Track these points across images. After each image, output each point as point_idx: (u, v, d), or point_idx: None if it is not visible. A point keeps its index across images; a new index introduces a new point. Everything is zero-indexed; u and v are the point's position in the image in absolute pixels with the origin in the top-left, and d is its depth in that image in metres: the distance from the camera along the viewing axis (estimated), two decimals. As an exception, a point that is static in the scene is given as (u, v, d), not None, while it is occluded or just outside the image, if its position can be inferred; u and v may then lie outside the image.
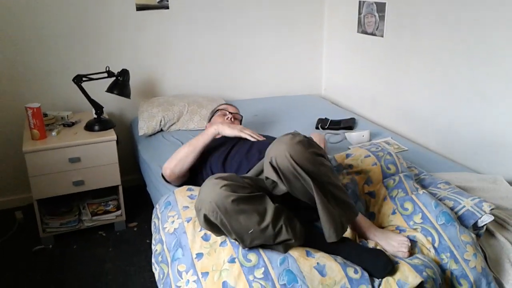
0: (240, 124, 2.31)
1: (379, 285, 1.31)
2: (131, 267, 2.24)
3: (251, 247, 1.36)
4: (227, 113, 2.25)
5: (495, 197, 1.78)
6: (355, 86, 3.16)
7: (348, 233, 1.52)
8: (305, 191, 1.41)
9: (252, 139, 1.83)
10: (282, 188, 1.43)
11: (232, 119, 2.22)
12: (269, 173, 1.41)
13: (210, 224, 1.37)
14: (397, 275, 1.32)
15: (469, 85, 2.23)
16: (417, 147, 2.44)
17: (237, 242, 1.37)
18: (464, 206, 1.56)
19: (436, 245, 1.46)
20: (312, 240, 1.44)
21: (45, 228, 2.41)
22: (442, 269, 1.43)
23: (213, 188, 1.34)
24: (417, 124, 2.61)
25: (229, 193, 1.32)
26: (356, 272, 1.31)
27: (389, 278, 1.32)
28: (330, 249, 1.41)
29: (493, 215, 1.53)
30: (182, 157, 1.83)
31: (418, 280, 1.29)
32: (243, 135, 1.84)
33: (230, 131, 1.85)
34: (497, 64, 2.06)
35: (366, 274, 1.31)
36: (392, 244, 1.47)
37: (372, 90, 2.99)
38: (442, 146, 2.44)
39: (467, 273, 1.41)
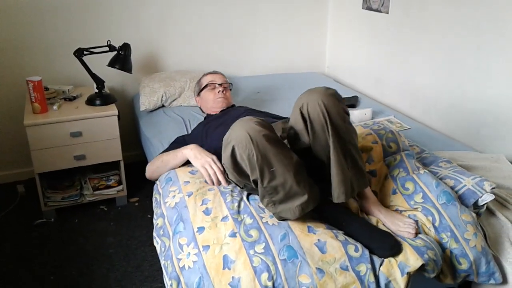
0: (230, 91, 2.25)
1: (380, 265, 1.31)
2: (132, 241, 2.26)
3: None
4: (217, 85, 2.18)
5: (497, 176, 1.77)
6: (359, 63, 3.13)
7: (352, 206, 1.54)
8: (326, 147, 1.41)
9: (208, 181, 1.61)
10: (304, 140, 1.44)
11: (224, 91, 2.17)
12: (296, 121, 1.44)
13: (234, 161, 1.38)
14: (399, 257, 1.33)
15: (475, 64, 2.20)
16: (420, 126, 2.42)
17: (253, 185, 1.38)
18: (465, 185, 1.56)
19: (436, 224, 1.47)
20: (322, 207, 1.43)
21: (46, 202, 2.42)
22: (442, 248, 1.44)
23: (247, 122, 1.36)
24: (421, 103, 2.60)
25: (261, 128, 1.34)
26: (356, 250, 1.32)
27: (391, 259, 1.33)
28: (338, 220, 1.42)
29: (494, 194, 1.53)
30: (154, 169, 1.80)
31: (419, 262, 1.30)
32: (203, 172, 1.62)
33: (194, 162, 1.67)
34: (504, 42, 2.03)
35: (366, 253, 1.32)
36: (397, 223, 1.47)
37: (376, 68, 2.96)
38: (445, 125, 2.43)
39: (467, 252, 1.41)
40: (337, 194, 1.41)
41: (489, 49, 2.11)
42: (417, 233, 1.44)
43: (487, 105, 2.16)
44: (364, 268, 1.29)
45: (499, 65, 2.07)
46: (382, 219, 1.50)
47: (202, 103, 2.25)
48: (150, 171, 1.83)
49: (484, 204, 1.51)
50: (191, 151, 1.69)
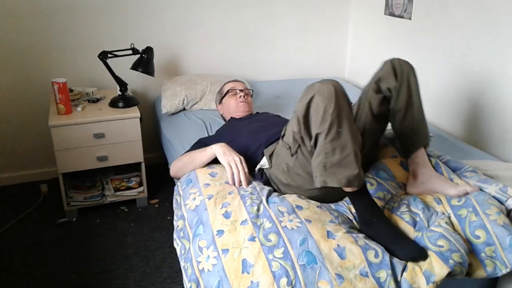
0: (251, 96, 2.31)
1: (403, 271, 1.29)
2: (152, 242, 2.29)
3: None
4: (238, 91, 2.23)
5: (523, 186, 1.74)
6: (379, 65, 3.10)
7: (402, 175, 1.66)
8: (402, 106, 1.63)
9: (230, 179, 1.63)
10: (391, 83, 1.63)
11: (245, 97, 2.22)
12: (385, 72, 1.66)
13: (307, 110, 1.40)
14: (424, 265, 1.30)
15: (499, 70, 2.16)
16: (443, 133, 2.39)
17: (313, 142, 1.41)
18: (489, 194, 1.53)
19: (461, 203, 1.47)
20: (358, 196, 1.44)
21: (69, 201, 2.47)
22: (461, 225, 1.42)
23: (334, 80, 1.40)
24: (442, 110, 2.56)
25: (345, 93, 1.41)
26: (376, 255, 1.31)
27: (416, 267, 1.30)
28: (369, 214, 1.42)
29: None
30: (181, 166, 1.80)
31: (445, 271, 1.27)
32: (228, 170, 1.64)
33: (221, 158, 1.69)
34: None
35: (386, 258, 1.30)
36: (452, 186, 1.55)
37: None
38: (467, 133, 2.40)
39: (485, 224, 1.38)
40: (424, 135, 1.65)
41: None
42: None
43: (511, 113, 2.12)
44: (384, 274, 1.27)
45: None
46: (437, 182, 1.56)
47: (224, 109, 2.28)
48: (176, 168, 1.82)
49: (510, 210, 1.47)
50: (220, 148, 1.70)
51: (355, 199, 1.45)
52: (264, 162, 1.73)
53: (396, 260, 1.31)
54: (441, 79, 2.55)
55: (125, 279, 2.03)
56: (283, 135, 1.59)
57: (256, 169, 1.76)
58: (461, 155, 2.05)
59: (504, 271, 1.35)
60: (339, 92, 1.37)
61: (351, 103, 1.47)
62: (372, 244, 1.35)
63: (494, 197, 1.52)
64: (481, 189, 1.55)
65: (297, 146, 1.50)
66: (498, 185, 1.54)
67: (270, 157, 1.70)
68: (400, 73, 1.64)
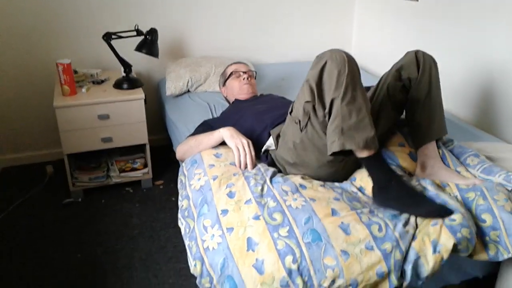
0: (255, 79, 2.31)
1: (412, 240, 1.31)
2: (156, 223, 2.30)
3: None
4: (241, 73, 2.23)
5: (526, 168, 1.73)
6: (386, 51, 3.08)
7: (409, 166, 1.67)
8: (421, 98, 1.65)
9: (236, 163, 1.63)
10: (413, 73, 1.64)
11: (249, 78, 2.22)
12: (407, 61, 1.66)
13: (320, 76, 1.41)
14: (433, 235, 1.31)
15: (506, 53, 2.14)
16: (448, 115, 2.37)
17: (327, 107, 1.42)
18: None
19: (469, 187, 1.49)
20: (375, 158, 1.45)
21: (74, 182, 2.49)
22: (467, 207, 1.44)
23: (342, 50, 1.42)
24: (448, 92, 2.54)
25: (355, 61, 1.43)
26: (380, 230, 1.32)
27: (425, 237, 1.31)
28: (389, 174, 1.43)
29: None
30: (187, 149, 1.80)
31: (451, 242, 1.28)
32: (235, 153, 1.63)
33: (229, 141, 1.68)
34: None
35: (390, 231, 1.31)
36: (461, 178, 1.55)
37: (402, 55, 2.90)
38: (474, 115, 2.38)
39: (493, 208, 1.38)
40: (440, 126, 1.66)
41: (522, 37, 2.06)
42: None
43: (518, 95, 2.11)
44: (389, 246, 1.28)
45: (533, 54, 2.02)
46: (445, 175, 1.57)
47: (228, 92, 2.27)
48: (182, 150, 1.82)
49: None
50: (228, 131, 1.70)
51: (371, 163, 1.44)
52: (270, 143, 1.73)
53: (401, 231, 1.32)
54: (448, 63, 2.52)
55: (131, 259, 2.05)
56: (291, 111, 1.59)
57: (263, 150, 1.76)
58: (469, 138, 2.04)
59: (506, 256, 1.36)
60: (350, 58, 1.40)
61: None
62: (375, 218, 1.35)
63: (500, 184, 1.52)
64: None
65: (307, 119, 1.50)
66: (501, 175, 1.55)
67: (277, 138, 1.70)
68: (422, 65, 1.64)
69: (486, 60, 2.27)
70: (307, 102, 1.47)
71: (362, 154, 1.41)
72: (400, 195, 1.40)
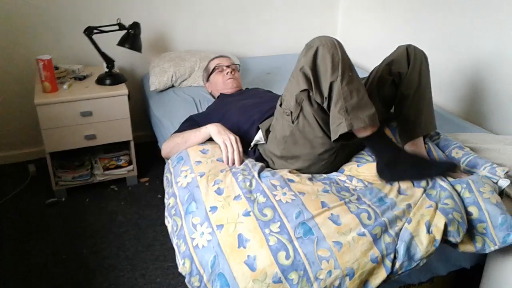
0: (239, 72, 2.29)
1: (405, 223, 1.32)
2: (142, 221, 2.27)
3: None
4: (224, 67, 2.21)
5: (510, 158, 1.73)
6: (371, 44, 3.08)
7: None
8: (410, 93, 1.64)
9: (224, 159, 1.60)
10: (403, 68, 1.64)
11: (233, 72, 2.20)
12: (398, 56, 1.66)
13: (314, 62, 1.40)
14: (426, 216, 1.32)
15: (492, 45, 2.15)
16: (434, 107, 2.38)
17: (326, 91, 1.41)
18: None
19: (455, 179, 1.50)
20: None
21: (57, 181, 2.43)
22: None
23: (328, 36, 1.43)
24: (435, 83, 2.54)
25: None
26: (369, 217, 1.32)
27: (420, 220, 1.32)
28: (389, 159, 1.46)
29: (509, 177, 1.51)
30: (173, 146, 1.76)
31: (442, 221, 1.30)
32: (223, 149, 1.61)
33: (216, 138, 1.66)
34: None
35: (379, 218, 1.32)
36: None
37: (388, 47, 2.89)
38: (460, 107, 2.40)
39: (479, 201, 1.39)
40: (428, 121, 1.66)
41: (506, 25, 2.06)
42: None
43: (503, 85, 2.12)
44: (379, 230, 1.29)
45: (517, 45, 2.03)
46: None
47: (212, 87, 2.25)
48: (168, 148, 1.78)
49: (503, 189, 1.48)
50: (215, 127, 1.68)
51: (376, 140, 1.47)
52: (259, 137, 1.71)
53: (389, 215, 1.33)
54: (435, 55, 2.52)
55: (117, 258, 2.01)
56: (281, 104, 1.57)
57: (252, 144, 1.73)
58: (454, 129, 2.05)
59: (493, 248, 1.37)
60: (339, 42, 1.41)
61: None
62: (364, 206, 1.36)
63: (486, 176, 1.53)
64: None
65: (299, 109, 1.49)
66: (485, 168, 1.55)
67: (266, 132, 1.68)
68: (413, 60, 1.64)
69: (472, 52, 2.28)
70: (302, 91, 1.46)
71: (366, 133, 1.42)
72: (412, 165, 1.45)
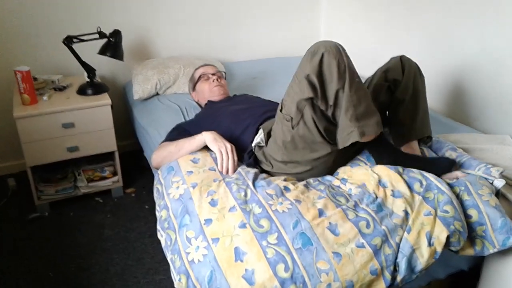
0: (225, 79, 2.27)
1: (404, 232, 1.31)
2: (130, 233, 2.20)
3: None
4: (210, 75, 2.18)
5: (504, 158, 1.75)
6: (355, 44, 3.07)
7: None
8: (404, 98, 1.67)
9: (219, 167, 1.58)
10: (398, 76, 1.67)
11: (219, 80, 2.17)
12: (393, 65, 1.69)
13: (320, 69, 1.37)
14: (426, 226, 1.30)
15: (478, 44, 2.16)
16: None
17: (332, 98, 1.39)
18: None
19: (453, 181, 1.49)
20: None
21: (40, 195, 2.35)
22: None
23: (333, 41, 1.42)
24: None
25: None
26: (368, 226, 1.30)
27: (420, 230, 1.30)
28: (395, 162, 1.51)
29: (504, 177, 1.51)
30: (166, 155, 1.71)
31: (444, 234, 1.28)
32: (218, 156, 1.59)
33: (212, 145, 1.62)
34: (505, 20, 2.00)
35: (378, 227, 1.30)
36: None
37: (373, 49, 2.90)
38: (447, 106, 2.40)
39: (478, 204, 1.38)
40: (423, 125, 1.68)
41: (489, 26, 2.07)
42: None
43: (490, 83, 2.13)
44: (379, 240, 1.26)
45: (500, 42, 2.04)
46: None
47: (198, 96, 2.21)
48: (159, 158, 1.73)
49: (498, 190, 1.48)
50: (211, 135, 1.64)
51: (378, 144, 1.54)
52: (260, 139, 1.65)
53: (389, 224, 1.31)
54: (419, 52, 2.53)
55: (106, 274, 1.95)
56: (281, 109, 1.54)
57: (253, 144, 1.68)
58: (444, 129, 2.05)
59: (492, 251, 1.37)
60: (343, 48, 1.40)
61: None
62: (362, 213, 1.34)
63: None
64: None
65: (300, 116, 1.47)
66: (480, 168, 1.55)
67: (268, 135, 1.64)
68: (407, 69, 1.68)
69: (457, 52, 2.29)
70: (307, 99, 1.42)
71: (369, 138, 1.43)
72: (412, 166, 1.50)
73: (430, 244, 1.28)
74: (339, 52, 1.37)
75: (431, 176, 1.46)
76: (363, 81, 1.51)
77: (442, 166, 1.53)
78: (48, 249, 2.10)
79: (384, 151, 1.54)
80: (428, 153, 1.69)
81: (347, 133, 1.40)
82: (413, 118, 1.68)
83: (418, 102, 1.69)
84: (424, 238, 1.28)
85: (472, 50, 2.19)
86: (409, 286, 1.53)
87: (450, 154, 1.68)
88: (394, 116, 1.72)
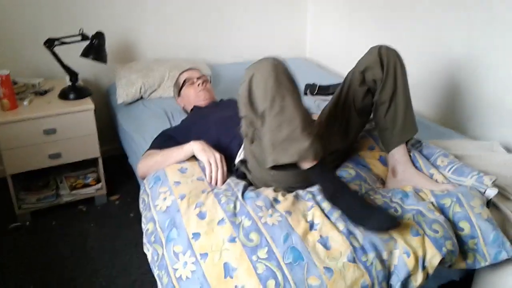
0: (210, 83, 2.23)
1: (406, 254, 1.25)
2: (115, 242, 2.14)
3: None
4: (195, 80, 2.14)
5: (493, 164, 1.73)
6: (341, 46, 3.05)
7: (380, 171, 1.66)
8: (386, 99, 1.59)
9: (208, 178, 1.54)
10: (378, 74, 1.57)
11: (204, 84, 2.13)
12: (371, 61, 1.58)
13: (249, 89, 1.32)
14: (418, 249, 1.26)
15: (466, 49, 2.15)
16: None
17: (260, 122, 1.34)
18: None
19: (444, 192, 1.45)
20: (319, 174, 1.38)
21: (20, 204, 2.27)
22: (444, 214, 1.39)
23: (274, 57, 1.35)
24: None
25: (286, 67, 1.36)
26: (358, 239, 1.27)
27: (414, 252, 1.26)
28: (332, 189, 1.36)
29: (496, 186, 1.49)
30: (152, 165, 1.65)
31: (437, 258, 1.25)
32: (207, 167, 1.54)
33: (201, 155, 1.58)
34: (497, 27, 1.99)
35: (367, 242, 1.25)
36: (434, 183, 1.51)
37: (358, 51, 2.85)
38: (434, 112, 2.39)
39: (470, 216, 1.36)
40: (408, 127, 1.60)
41: (479, 31, 2.06)
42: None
43: (479, 89, 2.12)
44: (370, 256, 1.23)
45: (491, 50, 2.03)
46: (418, 181, 1.53)
47: (184, 101, 2.17)
48: (145, 167, 1.67)
49: (489, 200, 1.46)
50: (199, 145, 1.59)
51: (316, 174, 1.38)
52: (244, 155, 1.63)
53: (380, 240, 1.26)
54: (407, 56, 2.50)
55: (91, 286, 1.89)
56: (241, 126, 1.51)
57: (236, 161, 1.64)
58: (433, 135, 2.03)
59: (483, 264, 1.35)
60: (278, 67, 1.32)
61: (294, 79, 1.38)
62: (352, 227, 1.30)
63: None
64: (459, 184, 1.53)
65: (253, 130, 1.44)
66: (472, 176, 1.52)
67: (244, 164, 1.62)
68: (386, 64, 1.57)
69: (444, 55, 2.27)
70: (245, 116, 1.41)
71: (305, 165, 1.35)
72: (348, 207, 1.32)
73: (423, 267, 1.25)
74: (269, 71, 1.30)
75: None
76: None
77: (379, 224, 1.26)
78: (30, 260, 2.03)
79: (325, 182, 1.39)
80: (420, 158, 1.64)
81: (264, 158, 1.36)
82: (394, 122, 1.61)
83: (399, 102, 1.60)
84: (418, 264, 1.25)
85: (459, 52, 2.18)
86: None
87: (442, 160, 1.65)
88: (377, 120, 1.67)
